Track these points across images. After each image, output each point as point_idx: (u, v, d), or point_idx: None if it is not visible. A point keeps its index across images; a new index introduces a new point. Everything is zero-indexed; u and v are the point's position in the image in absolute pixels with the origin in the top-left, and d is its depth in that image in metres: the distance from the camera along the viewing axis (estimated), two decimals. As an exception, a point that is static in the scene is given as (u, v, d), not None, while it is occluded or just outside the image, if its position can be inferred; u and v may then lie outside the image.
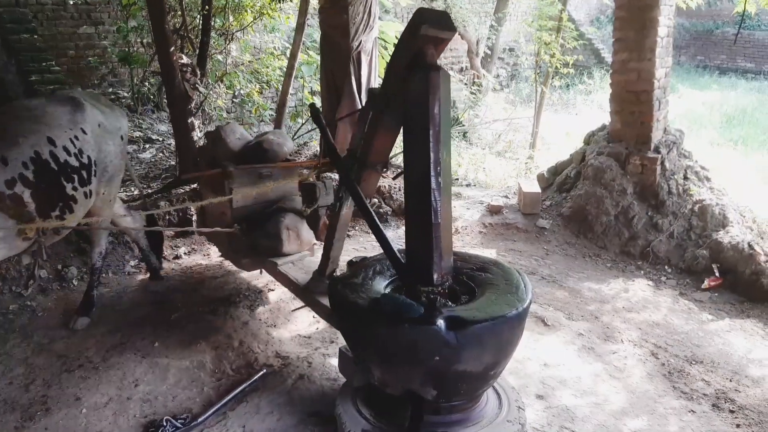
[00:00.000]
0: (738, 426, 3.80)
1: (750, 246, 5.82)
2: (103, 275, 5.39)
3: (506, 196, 7.70)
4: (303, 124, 9.48)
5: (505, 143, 11.24)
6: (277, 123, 8.37)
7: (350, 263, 3.67)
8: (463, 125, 11.89)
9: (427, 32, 3.05)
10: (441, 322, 2.81)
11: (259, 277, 5.46)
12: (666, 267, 6.22)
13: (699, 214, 6.39)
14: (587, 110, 14.03)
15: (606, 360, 4.45)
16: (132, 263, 5.67)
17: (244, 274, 5.48)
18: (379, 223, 3.34)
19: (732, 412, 3.93)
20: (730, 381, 4.29)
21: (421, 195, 3.09)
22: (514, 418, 3.30)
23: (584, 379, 4.16)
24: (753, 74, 19.55)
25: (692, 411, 3.91)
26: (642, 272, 6.16)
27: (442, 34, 3.14)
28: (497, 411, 3.34)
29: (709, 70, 20.45)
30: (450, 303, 3.13)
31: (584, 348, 4.59)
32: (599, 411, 3.83)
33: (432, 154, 3.03)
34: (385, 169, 4.02)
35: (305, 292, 4.11)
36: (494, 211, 7.21)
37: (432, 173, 3.02)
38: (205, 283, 5.40)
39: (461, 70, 14.90)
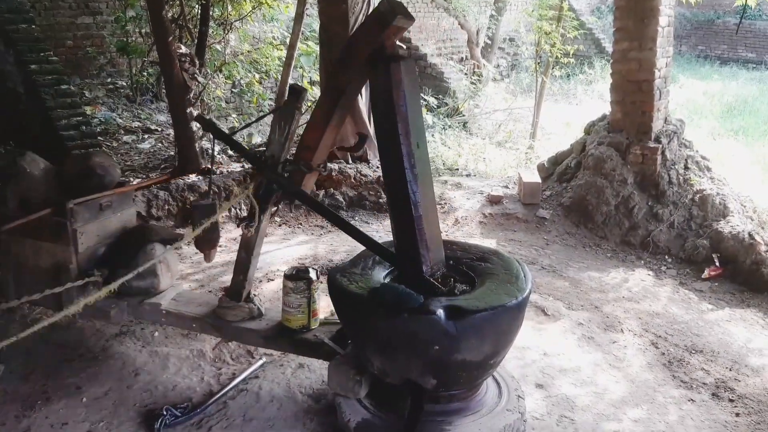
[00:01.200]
0: (737, 415, 3.80)
1: (750, 236, 5.81)
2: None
3: (506, 186, 7.68)
4: (302, 114, 9.44)
5: (506, 133, 11.21)
6: (277, 112, 8.35)
7: (286, 276, 3.52)
8: (463, 115, 11.86)
9: (398, 23, 2.94)
10: (440, 312, 2.81)
11: (258, 269, 5.45)
12: (666, 257, 6.22)
13: (699, 203, 6.38)
14: (588, 100, 14.00)
15: (606, 349, 4.45)
16: (131, 253, 5.65)
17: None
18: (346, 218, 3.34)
19: (731, 401, 3.94)
20: (730, 370, 4.29)
21: (398, 189, 3.05)
22: (513, 406, 3.30)
23: (584, 369, 4.16)
24: (754, 64, 19.50)
25: (692, 400, 3.91)
26: (642, 262, 6.16)
27: (406, 24, 3.04)
28: (497, 400, 3.34)
29: (710, 60, 20.40)
30: (462, 286, 3.13)
31: (584, 337, 4.59)
32: (599, 400, 3.83)
33: (403, 148, 2.97)
34: (324, 169, 3.84)
35: (219, 325, 3.68)
36: (494, 201, 7.19)
37: (406, 166, 2.98)
38: (205, 272, 5.40)
39: (461, 60, 14.86)
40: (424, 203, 3.05)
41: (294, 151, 3.47)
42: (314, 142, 3.35)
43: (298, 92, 3.43)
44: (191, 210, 3.87)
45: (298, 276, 3.56)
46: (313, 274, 3.60)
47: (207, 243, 3.79)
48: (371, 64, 3.05)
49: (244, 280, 3.63)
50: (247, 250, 3.57)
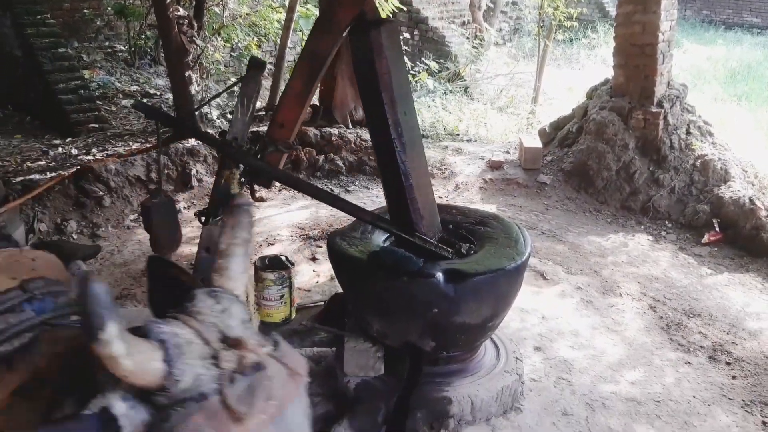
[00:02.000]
0: (734, 378, 3.84)
1: (751, 201, 5.80)
2: (103, 229, 5.40)
3: (507, 152, 7.65)
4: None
5: (507, 98, 11.11)
6: (276, 77, 8.28)
7: (262, 267, 3.37)
8: (465, 80, 11.75)
9: None
10: (439, 275, 2.82)
11: (259, 233, 5.47)
12: (666, 222, 6.21)
13: (701, 169, 6.36)
14: (591, 65, 13.84)
15: (604, 313, 4.47)
16: (131, 217, 5.66)
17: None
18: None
19: (728, 364, 3.97)
20: (727, 334, 4.32)
21: (387, 159, 2.98)
22: (511, 368, 3.33)
23: (582, 332, 4.19)
24: (759, 29, 19.24)
25: (689, 363, 3.94)
26: (642, 227, 6.16)
27: None
28: (495, 362, 3.37)
29: (715, 25, 20.11)
30: (467, 245, 3.12)
31: (583, 301, 4.61)
32: (596, 363, 3.86)
33: (389, 117, 2.89)
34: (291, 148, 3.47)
35: None
36: (495, 166, 7.17)
37: (393, 135, 2.90)
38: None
39: (463, 24, 14.66)
40: (414, 171, 2.99)
41: (266, 129, 3.22)
42: (292, 119, 3.11)
43: (259, 65, 3.19)
44: (142, 211, 3.31)
45: (278, 265, 3.39)
46: (286, 262, 3.51)
47: (168, 245, 3.28)
48: (351, 31, 2.93)
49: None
50: (211, 248, 2.93)
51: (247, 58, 9.10)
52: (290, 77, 3.02)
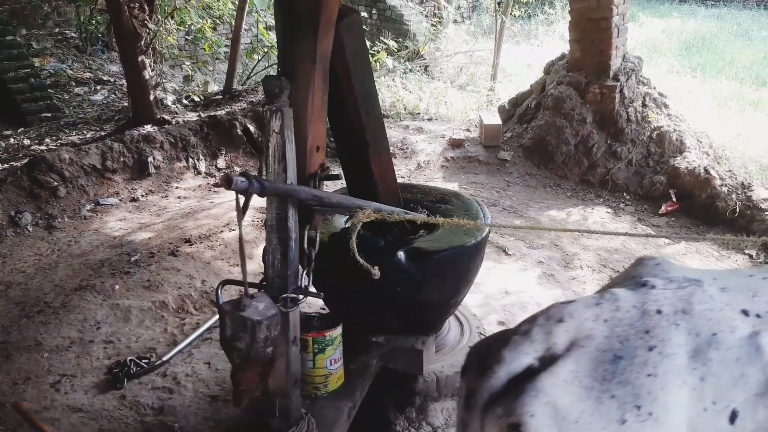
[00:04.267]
0: (691, 343, 3.93)
1: (706, 170, 5.92)
2: (59, 220, 5.29)
3: (468, 130, 7.67)
4: (259, 61, 9.24)
5: (467, 76, 11.11)
6: (232, 60, 8.16)
7: (319, 327, 2.70)
8: (424, 59, 11.72)
9: None
10: (401, 254, 2.82)
11: (219, 217, 5.41)
12: (625, 194, 6.31)
13: (657, 140, 6.46)
14: (549, 41, 13.90)
15: (566, 286, 4.54)
16: (88, 207, 5.54)
17: (204, 215, 5.42)
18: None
19: (686, 330, 4.06)
20: (685, 301, 4.41)
21: (351, 160, 2.91)
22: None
23: (544, 305, 4.22)
24: (713, 1, 19.53)
25: (648, 331, 4.02)
26: (601, 200, 6.25)
27: None
28: (459, 338, 3.40)
29: (670, -2, 20.37)
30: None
31: (544, 275, 4.67)
32: (559, 335, 3.91)
33: (352, 117, 2.76)
34: None
35: None
36: (456, 144, 7.19)
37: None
38: (165, 224, 5.33)
39: (421, 2, 14.60)
40: (378, 170, 2.93)
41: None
42: (323, 136, 2.56)
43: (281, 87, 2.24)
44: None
45: (333, 321, 2.76)
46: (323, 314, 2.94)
47: None
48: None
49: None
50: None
51: (203, 42, 9.01)
52: (305, 92, 2.35)
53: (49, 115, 7.21)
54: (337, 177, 2.67)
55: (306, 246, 2.41)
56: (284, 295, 2.23)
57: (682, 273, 1.46)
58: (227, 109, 7.26)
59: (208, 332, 3.78)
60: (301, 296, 2.29)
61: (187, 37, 9.61)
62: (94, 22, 9.51)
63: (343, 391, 2.81)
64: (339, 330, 2.73)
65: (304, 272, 2.40)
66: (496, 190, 6.32)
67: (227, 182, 1.87)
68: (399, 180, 3.40)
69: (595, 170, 6.56)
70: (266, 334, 2.04)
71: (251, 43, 9.96)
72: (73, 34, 9.78)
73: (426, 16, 13.28)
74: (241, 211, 2.01)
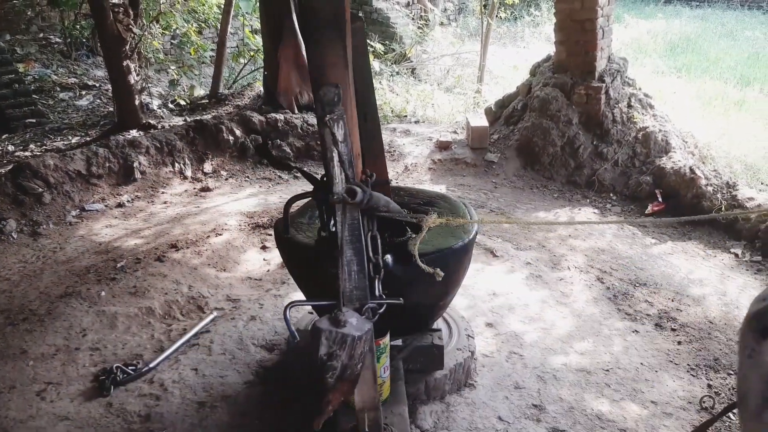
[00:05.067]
0: (679, 343, 3.95)
1: (691, 170, 5.96)
2: (44, 226, 5.25)
3: (455, 132, 7.68)
4: (245, 65, 9.22)
5: (454, 78, 11.14)
6: (218, 64, 8.13)
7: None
8: (411, 61, 11.74)
9: None
10: (388, 256, 2.81)
11: (206, 223, 5.38)
12: (611, 194, 6.34)
13: (642, 141, 6.50)
14: (535, 42, 13.97)
15: (553, 287, 4.55)
16: (73, 213, 5.50)
17: (191, 220, 5.39)
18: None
19: (674, 330, 4.08)
20: (672, 301, 4.43)
21: None
22: (464, 346, 3.36)
23: (532, 306, 4.26)
24: (697, 2, 19.67)
25: (636, 331, 4.04)
26: (588, 200, 6.28)
27: None
28: (447, 340, 3.39)
29: (654, -1, 20.50)
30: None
31: (532, 276, 4.68)
32: (546, 335, 3.93)
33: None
34: None
35: None
36: (443, 146, 7.19)
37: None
38: (152, 230, 5.30)
39: (407, 4, 14.62)
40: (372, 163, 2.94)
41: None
42: (359, 142, 2.54)
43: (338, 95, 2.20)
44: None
45: (381, 329, 2.60)
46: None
47: None
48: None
49: None
50: None
51: (188, 46, 8.97)
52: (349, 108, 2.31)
53: (34, 120, 7.17)
54: (387, 182, 2.66)
55: (372, 254, 2.42)
56: (367, 306, 2.21)
57: None
58: (213, 113, 7.24)
59: (195, 338, 3.76)
60: (383, 306, 2.28)
61: (172, 41, 9.58)
62: (78, 27, 9.47)
63: (392, 399, 2.83)
64: (388, 338, 2.72)
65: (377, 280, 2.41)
66: (483, 192, 6.33)
67: (351, 194, 2.01)
68: (386, 183, 3.40)
69: (581, 171, 6.59)
70: (362, 349, 2.01)
71: (237, 46, 9.93)
72: (58, 39, 9.72)
73: (412, 19, 13.31)
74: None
